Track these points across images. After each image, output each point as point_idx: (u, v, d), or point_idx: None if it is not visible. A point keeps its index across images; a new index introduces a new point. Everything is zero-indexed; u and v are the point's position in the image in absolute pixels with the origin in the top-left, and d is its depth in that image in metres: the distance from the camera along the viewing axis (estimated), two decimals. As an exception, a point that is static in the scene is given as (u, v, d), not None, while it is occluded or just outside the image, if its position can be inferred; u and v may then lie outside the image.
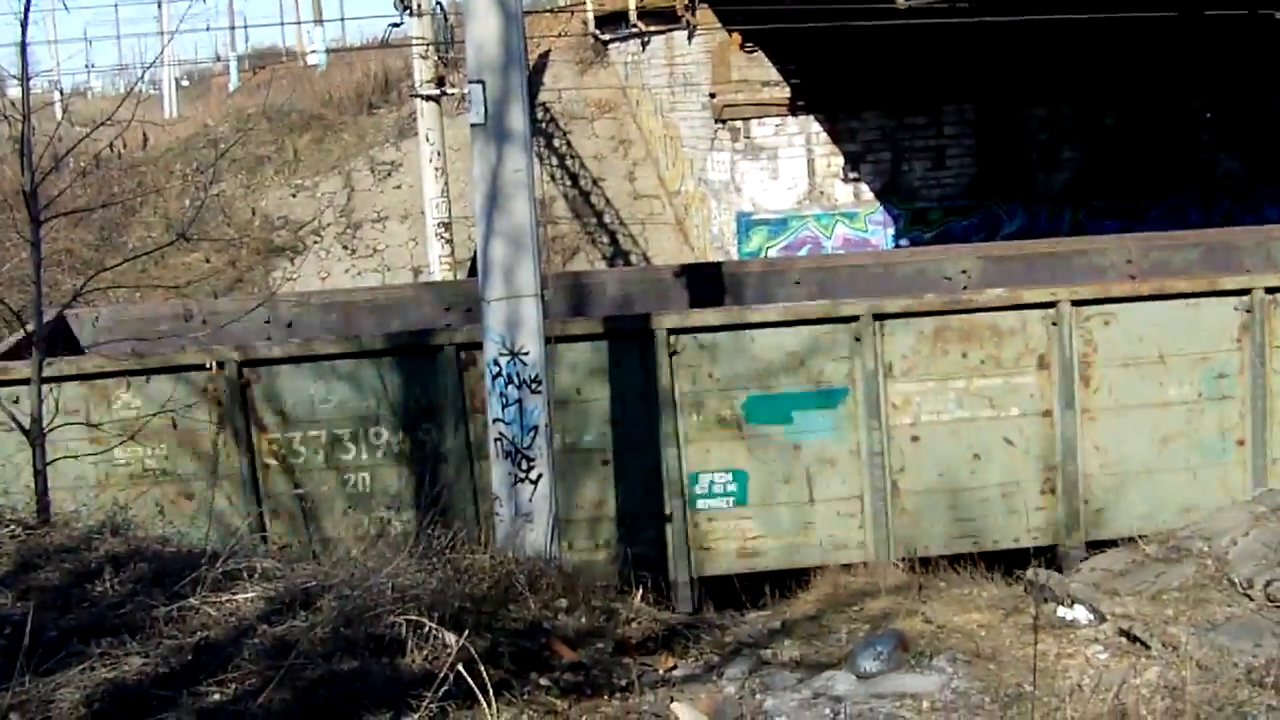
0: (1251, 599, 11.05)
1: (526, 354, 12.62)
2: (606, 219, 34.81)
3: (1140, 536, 13.73)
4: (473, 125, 12.51)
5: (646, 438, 15.55)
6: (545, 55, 37.35)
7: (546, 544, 12.53)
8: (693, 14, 31.06)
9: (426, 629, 8.61)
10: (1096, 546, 14.91)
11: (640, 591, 12.03)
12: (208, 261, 33.45)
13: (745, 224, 30.45)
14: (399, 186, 35.49)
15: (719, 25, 30.56)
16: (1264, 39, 32.07)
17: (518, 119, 12.45)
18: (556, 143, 35.70)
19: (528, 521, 12.56)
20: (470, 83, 12.50)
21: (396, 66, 39.13)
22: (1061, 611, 11.54)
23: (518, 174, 12.50)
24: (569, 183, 35.18)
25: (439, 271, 29.74)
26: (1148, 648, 10.51)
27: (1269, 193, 32.99)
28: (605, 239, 34.67)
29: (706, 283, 19.77)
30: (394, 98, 39.18)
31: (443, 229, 29.91)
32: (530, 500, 12.66)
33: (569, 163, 35.35)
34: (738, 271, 20.10)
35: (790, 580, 15.36)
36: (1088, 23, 25.63)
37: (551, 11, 39.55)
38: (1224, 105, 32.80)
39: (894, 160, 31.33)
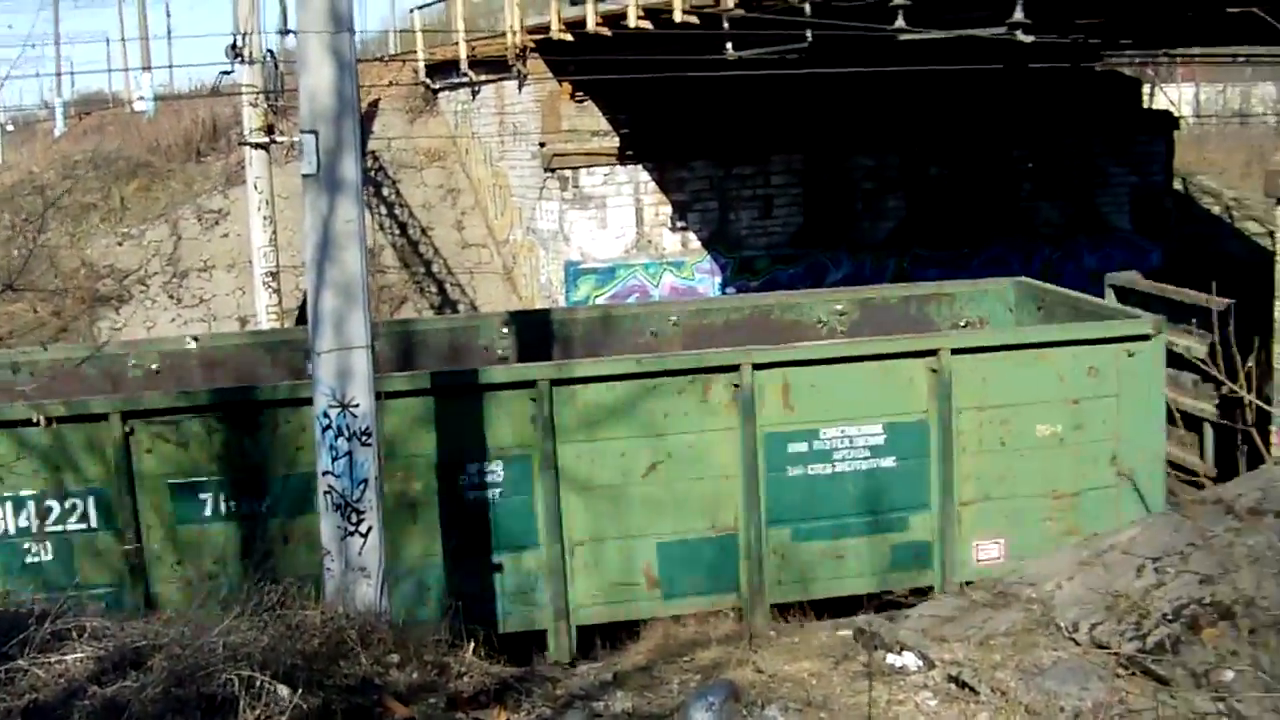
0: (1078, 643, 11.21)
1: (357, 406, 12.55)
2: (435, 268, 34.72)
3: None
4: (305, 176, 12.44)
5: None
6: (375, 104, 37.20)
7: (377, 598, 12.45)
8: (524, 63, 31.12)
9: (259, 686, 8.55)
10: None
11: (472, 644, 11.99)
12: (34, 312, 32.96)
13: (573, 273, 30.50)
14: (226, 235, 35.17)
15: (550, 75, 30.65)
16: (1084, 91, 32.74)
17: (350, 170, 12.41)
18: (385, 191, 35.57)
19: (359, 575, 12.49)
20: (303, 133, 12.43)
21: (225, 114, 38.77)
22: (891, 659, 11.64)
23: (349, 225, 12.45)
24: (397, 232, 35.06)
25: (266, 321, 29.52)
26: (976, 693, 10.64)
27: (1088, 240, 33.59)
28: (433, 288, 34.58)
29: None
30: (222, 145, 38.81)
31: (270, 278, 29.68)
32: (360, 554, 12.57)
33: (397, 211, 35.24)
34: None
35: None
36: (914, 74, 25.98)
37: (381, 60, 39.38)
38: (1044, 155, 33.39)
39: (721, 209, 31.50)
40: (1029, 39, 19.11)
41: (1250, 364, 9.91)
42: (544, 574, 16.04)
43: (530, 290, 32.48)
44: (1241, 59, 40.83)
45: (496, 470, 15.84)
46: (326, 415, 12.52)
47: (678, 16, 24.41)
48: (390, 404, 14.92)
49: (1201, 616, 10.51)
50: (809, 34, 21.68)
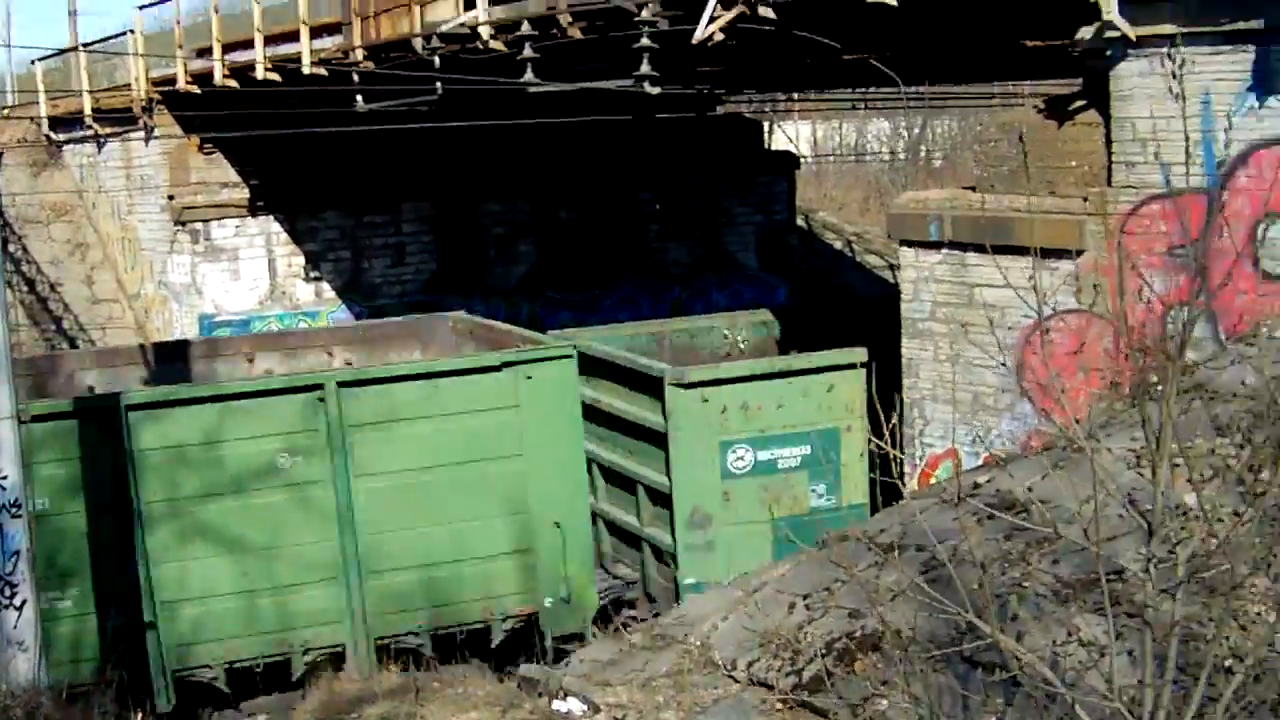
0: (736, 680, 11.55)
1: (4, 478, 12.40)
2: (65, 325, 34.08)
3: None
4: (-56, 244, 12.29)
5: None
6: (-3, 157, 36.43)
7: (36, 671, 12.31)
8: (150, 116, 30.80)
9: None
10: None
11: (140, 714, 11.94)
12: None
13: (208, 326, 30.24)
14: None
15: (177, 127, 30.42)
16: (707, 134, 33.56)
17: (-9, 238, 12.31)
18: (11, 248, 34.74)
19: (16, 650, 12.31)
20: (-64, 201, 12.29)
21: None
22: (557, 705, 11.86)
23: (-9, 294, 12.33)
24: (25, 288, 34.28)
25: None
26: (642, 735, 10.92)
27: (716, 279, 34.36)
28: (65, 345, 33.93)
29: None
30: None
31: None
32: (15, 627, 12.41)
33: (25, 268, 34.47)
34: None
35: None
36: (543, 121, 26.34)
37: (3, 113, 38.51)
38: (672, 197, 34.07)
39: (354, 258, 31.54)
40: (655, 90, 19.59)
41: (894, 421, 10.36)
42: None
43: (165, 345, 32.10)
44: (859, 104, 42.15)
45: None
46: (-27, 488, 12.34)
47: (306, 69, 24.47)
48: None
49: (853, 649, 10.95)
50: (439, 86, 21.90)
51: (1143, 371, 7.45)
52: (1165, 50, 14.32)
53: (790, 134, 50.69)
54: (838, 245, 41.45)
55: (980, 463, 15.72)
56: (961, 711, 9.19)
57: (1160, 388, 7.67)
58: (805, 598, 12.11)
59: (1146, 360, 7.49)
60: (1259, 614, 9.30)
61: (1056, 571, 10.71)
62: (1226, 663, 8.68)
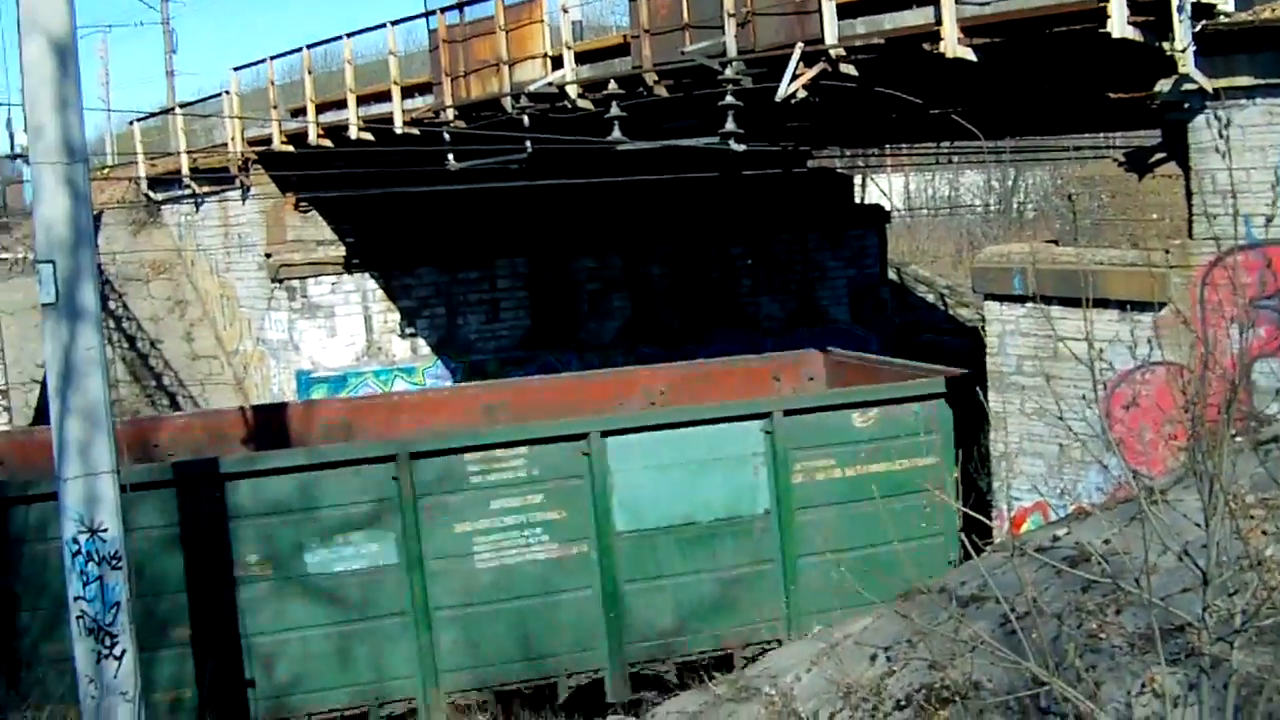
0: (818, 732, 11.70)
1: (105, 530, 12.61)
2: (165, 380, 34.51)
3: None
4: (44, 305, 12.49)
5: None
6: (97, 217, 36.87)
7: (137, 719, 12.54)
8: (246, 175, 31.23)
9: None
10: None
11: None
12: None
13: (305, 382, 30.57)
14: (-49, 354, 34.61)
15: (273, 186, 30.82)
16: (798, 190, 33.67)
17: (88, 297, 12.50)
18: (112, 305, 35.26)
19: (118, 699, 12.53)
20: (39, 262, 12.47)
21: (-60, 231, 38.20)
22: (643, 756, 12.04)
23: (90, 352, 12.53)
24: (126, 345, 34.79)
25: (-3, 438, 29.13)
26: (726, 787, 11.06)
27: (808, 333, 34.39)
28: (165, 401, 34.35)
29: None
30: (-61, 262, 38.22)
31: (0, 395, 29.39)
32: (116, 677, 12.64)
33: (125, 325, 34.97)
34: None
35: None
36: (635, 177, 26.55)
37: (102, 173, 39.05)
38: (763, 252, 34.22)
39: (449, 314, 31.81)
40: (741, 147, 19.75)
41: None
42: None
43: (263, 400, 32.42)
44: (949, 158, 42.17)
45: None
46: (76, 541, 12.56)
47: (399, 129, 24.81)
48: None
49: (931, 702, 11.04)
50: (528, 144, 22.17)
51: (1198, 424, 7.54)
52: (1239, 103, 14.39)
53: (884, 187, 50.74)
54: (930, 298, 41.44)
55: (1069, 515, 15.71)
56: (1037, 761, 9.28)
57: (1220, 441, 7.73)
58: (886, 650, 12.22)
59: (1205, 413, 7.59)
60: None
61: (1134, 623, 10.76)
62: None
